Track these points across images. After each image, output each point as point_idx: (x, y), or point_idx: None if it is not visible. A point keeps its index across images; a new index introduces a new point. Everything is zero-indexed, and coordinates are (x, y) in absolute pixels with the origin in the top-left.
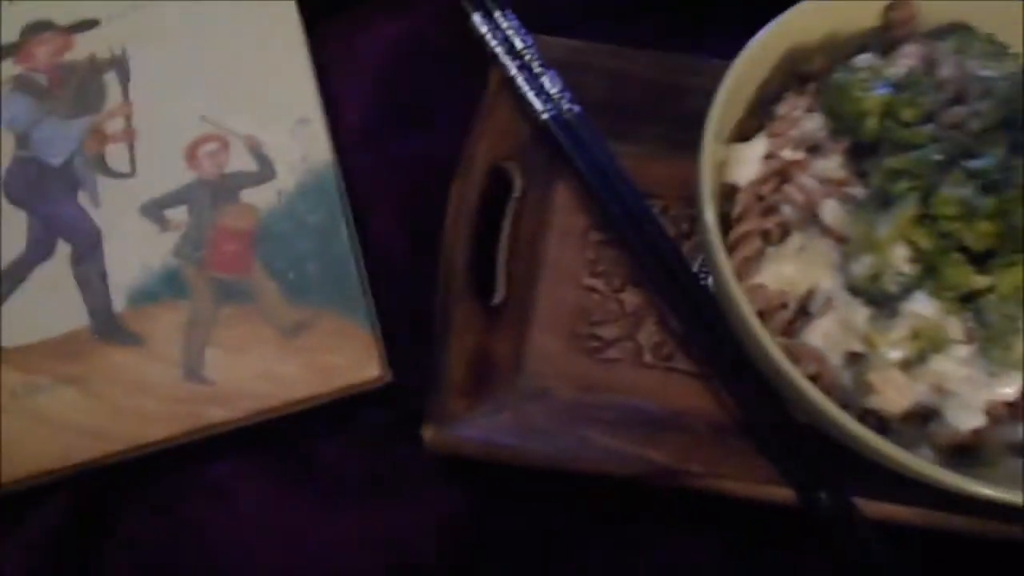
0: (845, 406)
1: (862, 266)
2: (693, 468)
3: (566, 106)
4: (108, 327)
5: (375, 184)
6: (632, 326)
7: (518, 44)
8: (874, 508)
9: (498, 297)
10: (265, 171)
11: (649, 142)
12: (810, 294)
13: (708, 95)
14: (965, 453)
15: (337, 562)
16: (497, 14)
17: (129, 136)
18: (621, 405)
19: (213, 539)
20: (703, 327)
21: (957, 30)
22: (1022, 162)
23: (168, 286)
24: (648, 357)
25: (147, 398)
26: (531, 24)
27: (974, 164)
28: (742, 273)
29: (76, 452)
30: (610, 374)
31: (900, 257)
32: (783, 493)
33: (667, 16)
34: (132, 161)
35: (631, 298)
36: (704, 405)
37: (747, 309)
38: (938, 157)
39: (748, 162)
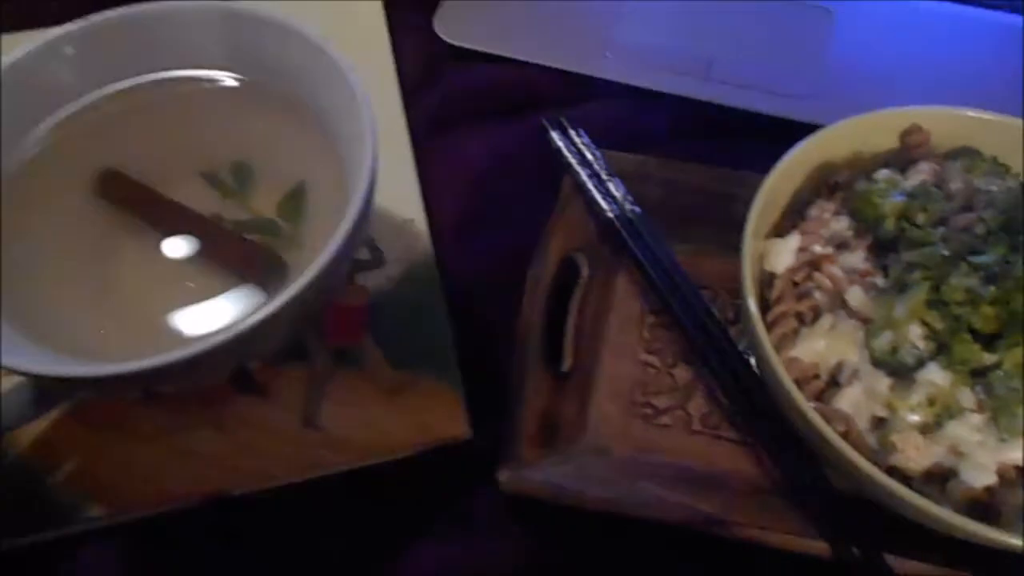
0: (873, 464)
1: (883, 341)
2: (737, 518)
3: (629, 207)
4: (242, 381)
5: (464, 271)
6: (683, 398)
7: (588, 156)
8: (903, 565)
9: (566, 365)
10: (377, 260)
11: (700, 241)
12: (839, 366)
13: (750, 202)
14: (983, 517)
15: None
16: (571, 132)
17: None
18: (672, 464)
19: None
20: (748, 400)
21: (966, 152)
22: (1019, 258)
23: (294, 350)
24: (697, 425)
25: (271, 440)
26: (598, 142)
27: (978, 259)
28: (779, 347)
29: (209, 482)
30: (662, 438)
31: (916, 335)
32: (818, 546)
33: (714, 137)
34: None
35: (682, 373)
36: (746, 468)
37: (786, 377)
38: (946, 252)
39: (784, 253)
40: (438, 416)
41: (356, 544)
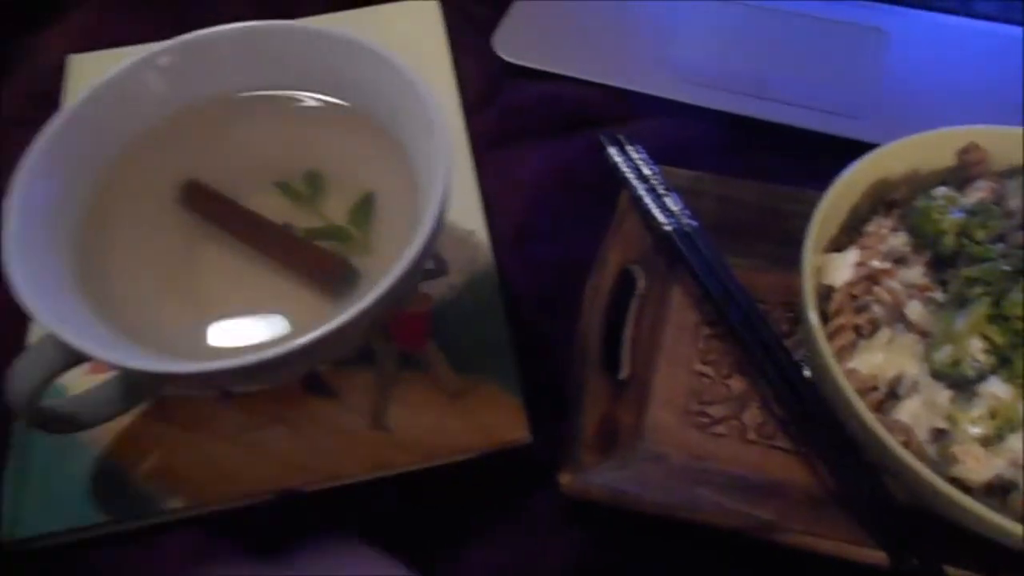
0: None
1: (943, 354)
2: (793, 526)
3: (686, 221)
4: (313, 382)
5: (523, 281)
6: (737, 408)
7: (646, 171)
8: None
9: (623, 373)
10: (440, 269)
11: (755, 257)
12: (897, 379)
13: (804, 218)
14: None
15: None
16: (628, 147)
17: None
18: (727, 472)
19: None
20: (804, 409)
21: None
22: None
23: (361, 354)
24: (751, 435)
25: (340, 439)
26: (654, 157)
27: None
28: (838, 359)
29: (281, 479)
30: (718, 446)
31: (976, 348)
32: (876, 556)
33: (767, 155)
34: None
35: (737, 384)
36: (802, 478)
37: (848, 387)
38: (1007, 268)
39: (843, 268)
40: (499, 420)
41: (416, 543)
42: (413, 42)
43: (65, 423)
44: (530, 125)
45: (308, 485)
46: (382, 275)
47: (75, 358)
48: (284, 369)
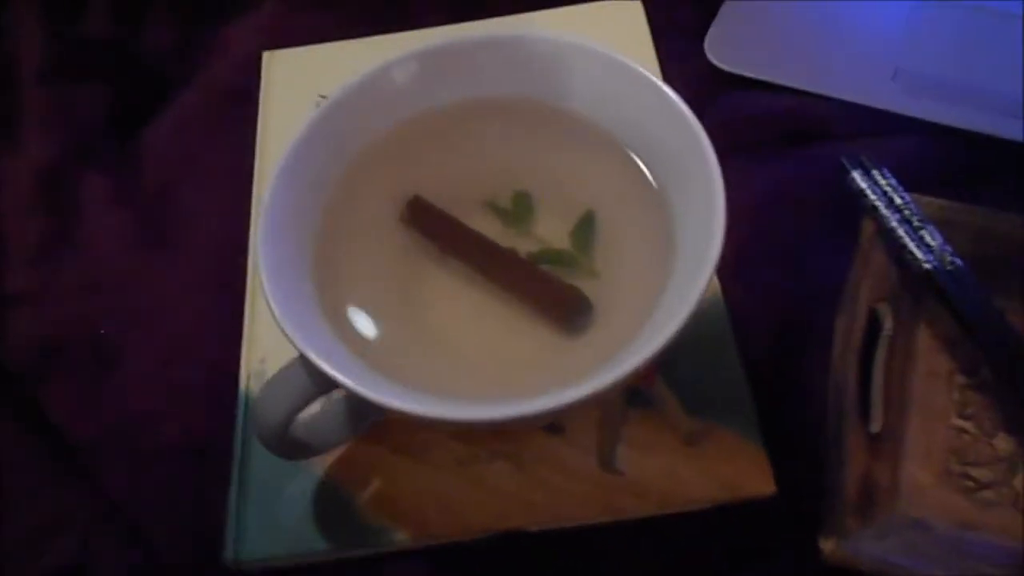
0: None
1: None
2: None
3: (948, 258)
4: None
5: (752, 312)
6: (1007, 471)
7: (897, 200)
8: None
9: (876, 426)
10: None
11: (1010, 294)
12: None
13: None
14: None
15: None
16: (875, 172)
17: None
18: (1005, 547)
19: None
20: None
21: None
22: None
23: None
24: None
25: (567, 479)
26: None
27: None
28: None
29: (507, 516)
30: (987, 515)
31: None
32: None
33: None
34: None
35: (1004, 444)
36: None
37: None
38: None
39: None
40: (739, 469)
41: None
42: (615, 44)
43: (300, 450)
44: (747, 140)
45: (534, 525)
46: (619, 307)
47: (327, 387)
48: (522, 424)
